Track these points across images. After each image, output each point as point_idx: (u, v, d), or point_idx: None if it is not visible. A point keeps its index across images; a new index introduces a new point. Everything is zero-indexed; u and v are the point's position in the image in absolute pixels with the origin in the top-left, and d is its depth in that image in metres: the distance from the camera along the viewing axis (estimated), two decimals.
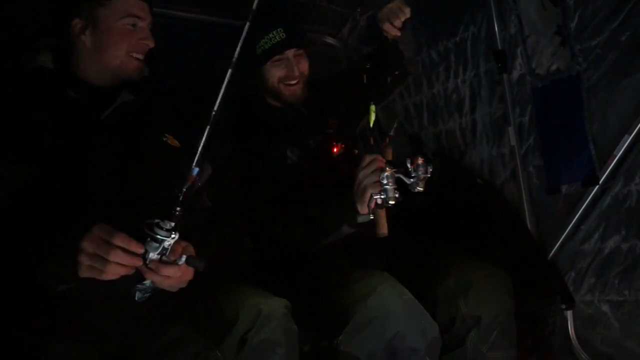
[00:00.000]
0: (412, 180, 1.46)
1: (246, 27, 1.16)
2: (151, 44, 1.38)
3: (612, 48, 1.72)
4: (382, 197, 1.43)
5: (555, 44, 1.87)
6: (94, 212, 1.18)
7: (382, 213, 1.43)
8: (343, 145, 1.79)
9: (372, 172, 1.47)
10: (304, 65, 1.80)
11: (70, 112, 1.31)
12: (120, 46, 1.34)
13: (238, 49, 1.15)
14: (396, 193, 1.44)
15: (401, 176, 1.46)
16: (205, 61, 2.31)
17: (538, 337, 1.91)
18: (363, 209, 1.50)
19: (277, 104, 1.85)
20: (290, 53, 1.77)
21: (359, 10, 2.49)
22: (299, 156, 1.77)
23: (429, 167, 1.46)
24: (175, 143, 1.39)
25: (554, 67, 1.89)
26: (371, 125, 1.54)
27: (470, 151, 2.21)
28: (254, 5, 1.18)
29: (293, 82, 1.78)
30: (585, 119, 1.81)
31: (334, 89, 1.96)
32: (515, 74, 2.03)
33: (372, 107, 1.53)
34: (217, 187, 1.42)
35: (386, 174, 1.43)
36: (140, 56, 1.38)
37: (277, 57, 1.76)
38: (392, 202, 1.44)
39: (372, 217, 1.45)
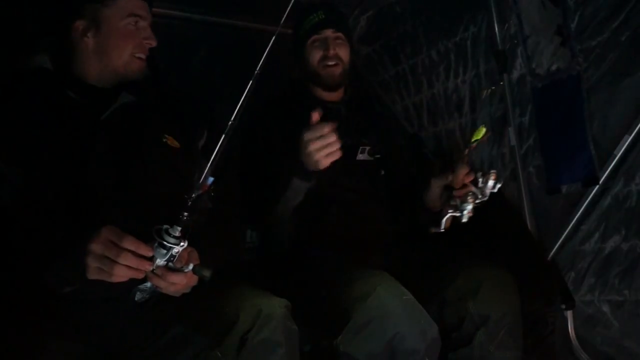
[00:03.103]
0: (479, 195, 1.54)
1: (275, 35, 1.16)
2: (154, 43, 1.38)
3: (612, 48, 1.72)
4: (458, 214, 1.55)
5: (555, 44, 1.87)
6: (94, 213, 1.18)
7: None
8: (369, 153, 1.83)
9: (324, 142, 1.46)
10: (342, 50, 1.83)
11: (69, 113, 1.30)
12: (125, 47, 1.34)
13: (264, 57, 1.14)
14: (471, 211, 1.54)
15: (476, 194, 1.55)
16: (205, 61, 2.32)
17: (538, 337, 1.91)
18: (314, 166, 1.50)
19: (319, 91, 1.87)
20: (328, 33, 1.81)
21: (358, 10, 2.50)
22: None
23: (497, 184, 1.53)
24: (175, 144, 1.38)
25: (554, 67, 1.89)
26: (472, 140, 1.58)
27: (470, 151, 2.20)
28: (285, 13, 1.17)
29: (331, 63, 1.81)
30: (585, 119, 1.81)
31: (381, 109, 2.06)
32: (516, 74, 2.03)
33: (483, 130, 1.56)
34: (217, 188, 1.42)
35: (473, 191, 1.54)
36: (143, 56, 1.37)
37: (315, 37, 1.81)
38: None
39: (442, 229, 1.54)
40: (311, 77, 1.85)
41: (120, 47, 1.34)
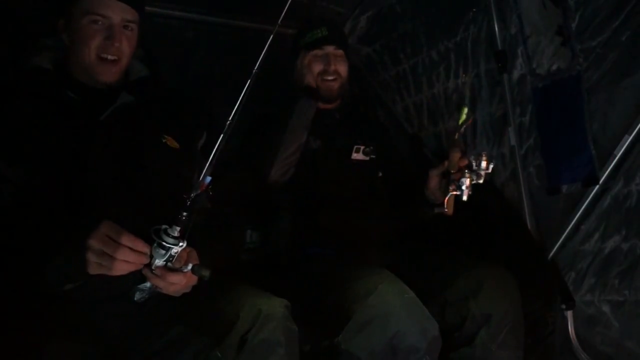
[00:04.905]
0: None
1: (271, 36, 1.15)
2: (117, 43, 1.31)
3: (612, 48, 1.72)
4: (458, 192, 1.57)
5: (555, 44, 1.87)
6: (93, 213, 1.18)
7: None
8: (364, 153, 1.87)
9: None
10: (341, 66, 1.89)
11: (69, 113, 1.30)
12: (85, 46, 1.31)
13: (261, 56, 1.13)
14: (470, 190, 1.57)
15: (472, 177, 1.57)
16: (205, 61, 2.32)
17: (538, 337, 1.91)
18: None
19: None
20: (330, 49, 1.87)
21: (358, 10, 2.50)
22: (318, 146, 1.84)
23: (490, 164, 1.56)
24: (175, 144, 1.38)
25: (554, 67, 1.89)
26: (459, 123, 1.61)
27: (470, 151, 2.20)
28: (282, 15, 1.17)
29: (330, 77, 1.87)
30: (585, 119, 1.81)
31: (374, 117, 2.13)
32: (516, 74, 2.03)
33: (465, 110, 1.59)
34: (217, 188, 1.42)
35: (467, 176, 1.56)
36: (110, 57, 1.32)
37: (317, 52, 1.87)
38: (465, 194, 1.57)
39: (446, 210, 1.58)
40: (308, 88, 1.88)
41: (82, 46, 1.31)
